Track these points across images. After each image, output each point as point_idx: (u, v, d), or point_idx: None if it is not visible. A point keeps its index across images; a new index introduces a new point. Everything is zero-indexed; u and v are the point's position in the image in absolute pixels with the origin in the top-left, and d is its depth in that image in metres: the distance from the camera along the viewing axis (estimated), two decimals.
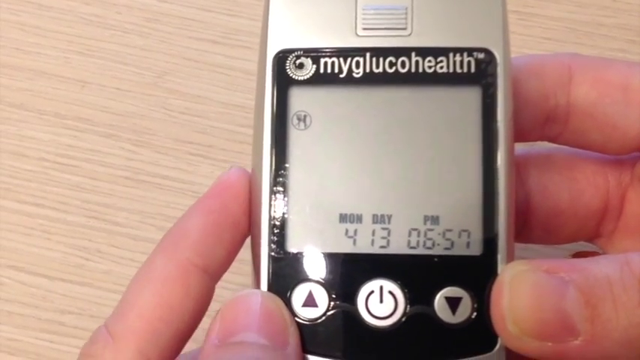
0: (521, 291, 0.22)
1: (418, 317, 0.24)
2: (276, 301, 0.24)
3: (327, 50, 0.25)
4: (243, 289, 0.24)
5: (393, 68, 0.25)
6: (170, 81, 0.43)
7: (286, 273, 0.24)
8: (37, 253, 0.40)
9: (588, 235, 0.30)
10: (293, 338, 0.23)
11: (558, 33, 0.43)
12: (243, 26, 0.43)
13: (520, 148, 0.28)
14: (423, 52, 0.25)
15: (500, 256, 0.24)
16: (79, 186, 0.41)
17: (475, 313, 0.24)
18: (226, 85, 0.42)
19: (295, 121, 0.25)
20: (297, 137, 0.25)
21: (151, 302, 0.24)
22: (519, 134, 0.27)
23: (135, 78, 0.43)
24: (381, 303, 0.24)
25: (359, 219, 0.24)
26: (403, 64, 0.25)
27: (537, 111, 0.28)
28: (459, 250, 0.24)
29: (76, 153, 0.42)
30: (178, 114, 0.42)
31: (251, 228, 0.25)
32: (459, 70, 0.24)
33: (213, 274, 0.25)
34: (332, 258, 0.24)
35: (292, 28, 0.25)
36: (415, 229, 0.24)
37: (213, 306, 0.25)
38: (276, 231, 0.24)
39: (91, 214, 0.40)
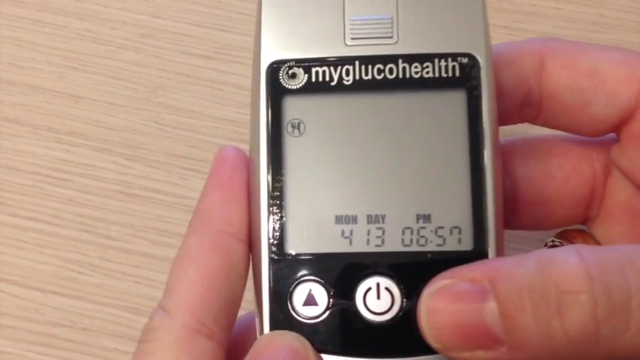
0: (439, 310, 0.23)
1: (414, 311, 0.24)
2: (303, 343, 0.24)
3: (318, 60, 0.26)
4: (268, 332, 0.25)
5: (382, 75, 0.26)
6: (163, 96, 0.43)
7: (286, 274, 0.25)
8: (30, 266, 0.40)
9: (577, 219, 0.30)
10: None
11: None
12: (236, 42, 0.44)
13: (505, 138, 0.29)
14: (410, 58, 0.26)
15: (491, 250, 0.25)
16: (72, 200, 0.41)
17: None
18: (218, 100, 0.43)
19: (290, 128, 0.26)
20: (291, 144, 0.25)
21: (195, 276, 0.25)
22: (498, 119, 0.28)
23: (128, 93, 0.43)
24: (378, 299, 0.25)
25: (354, 220, 0.25)
26: (391, 71, 0.26)
27: (513, 97, 0.28)
28: (451, 246, 0.25)
29: (70, 167, 0.42)
30: (171, 128, 0.42)
31: (251, 233, 0.26)
32: (444, 75, 0.25)
33: (245, 238, 0.26)
34: (330, 258, 0.25)
35: (284, 40, 0.26)
36: (408, 228, 0.25)
37: None
38: (275, 234, 0.25)
39: (83, 228, 0.41)
